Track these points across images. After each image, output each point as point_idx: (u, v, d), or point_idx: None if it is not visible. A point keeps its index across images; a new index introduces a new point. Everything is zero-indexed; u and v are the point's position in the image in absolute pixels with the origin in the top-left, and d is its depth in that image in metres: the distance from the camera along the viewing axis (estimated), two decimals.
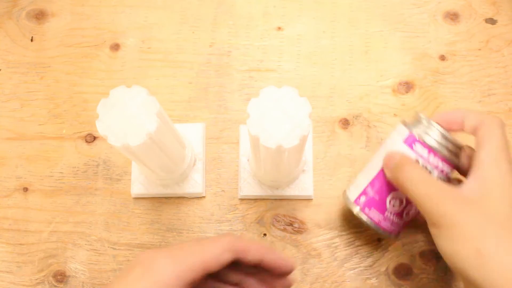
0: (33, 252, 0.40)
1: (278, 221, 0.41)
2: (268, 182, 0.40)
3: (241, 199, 0.41)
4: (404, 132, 0.34)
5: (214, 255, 0.28)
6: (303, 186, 0.41)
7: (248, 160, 0.41)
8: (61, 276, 0.40)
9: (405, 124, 0.34)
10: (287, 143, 0.29)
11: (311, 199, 0.41)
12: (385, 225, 0.35)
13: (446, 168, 0.33)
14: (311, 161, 0.41)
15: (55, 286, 0.39)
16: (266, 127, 0.29)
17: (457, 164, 0.33)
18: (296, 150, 0.31)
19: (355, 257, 0.40)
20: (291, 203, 0.41)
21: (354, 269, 0.39)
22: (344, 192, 0.37)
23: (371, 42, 0.46)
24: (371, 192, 0.35)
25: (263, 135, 0.29)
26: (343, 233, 0.40)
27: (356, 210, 0.35)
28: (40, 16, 0.47)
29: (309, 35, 0.46)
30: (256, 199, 0.41)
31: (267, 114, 0.30)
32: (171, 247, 0.29)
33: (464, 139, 0.33)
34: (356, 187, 0.36)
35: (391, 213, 0.35)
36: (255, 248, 0.30)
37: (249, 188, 0.41)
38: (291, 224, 0.41)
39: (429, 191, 0.30)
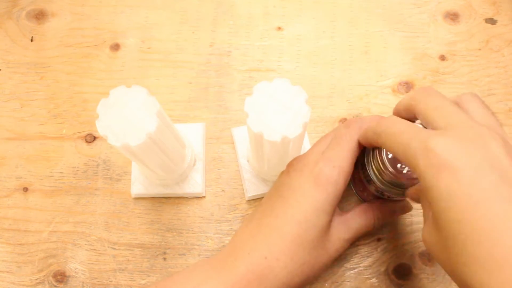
0: (33, 252, 0.40)
1: None
2: (273, 177, 0.40)
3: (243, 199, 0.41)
4: None
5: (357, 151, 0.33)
6: None
7: (248, 161, 0.41)
8: (61, 276, 0.40)
9: None
10: (292, 133, 0.29)
11: None
12: None
13: None
14: None
15: (55, 286, 0.39)
16: (268, 122, 0.29)
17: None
18: (299, 138, 0.32)
19: (355, 257, 0.40)
20: None
21: (354, 269, 0.39)
22: None
23: (371, 42, 0.46)
24: None
25: (266, 130, 0.29)
26: None
27: None
28: (40, 16, 0.47)
29: (309, 35, 0.46)
30: (256, 199, 0.41)
31: (265, 109, 0.30)
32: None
33: None
34: None
35: None
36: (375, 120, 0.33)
37: (254, 188, 0.40)
38: None
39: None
